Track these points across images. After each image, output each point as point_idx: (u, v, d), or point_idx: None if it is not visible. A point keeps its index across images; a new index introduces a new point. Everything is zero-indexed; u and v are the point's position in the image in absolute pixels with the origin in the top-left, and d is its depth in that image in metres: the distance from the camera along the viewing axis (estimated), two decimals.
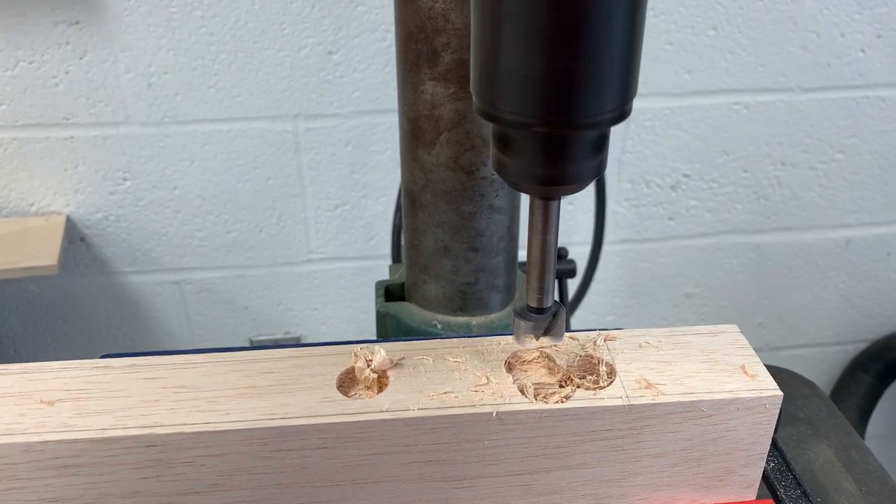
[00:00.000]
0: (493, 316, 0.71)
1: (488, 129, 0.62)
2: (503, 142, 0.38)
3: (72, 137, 1.34)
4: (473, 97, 0.38)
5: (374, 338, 0.69)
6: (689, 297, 1.65)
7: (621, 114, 0.36)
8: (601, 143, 0.38)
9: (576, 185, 0.38)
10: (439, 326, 0.70)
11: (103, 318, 1.53)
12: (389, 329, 0.73)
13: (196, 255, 1.48)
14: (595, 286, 1.60)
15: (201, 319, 1.56)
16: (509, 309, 0.72)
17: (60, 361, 0.46)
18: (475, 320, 0.70)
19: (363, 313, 1.60)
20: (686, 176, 1.52)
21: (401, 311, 0.72)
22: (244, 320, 1.57)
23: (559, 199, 0.41)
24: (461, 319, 0.70)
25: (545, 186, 0.38)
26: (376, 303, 0.74)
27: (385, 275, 1.44)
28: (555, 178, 0.38)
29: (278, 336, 1.59)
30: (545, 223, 0.41)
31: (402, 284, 0.75)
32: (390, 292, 0.75)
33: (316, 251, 1.51)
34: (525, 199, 1.51)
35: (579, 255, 1.36)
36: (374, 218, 1.49)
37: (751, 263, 1.63)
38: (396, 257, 1.23)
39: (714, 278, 1.65)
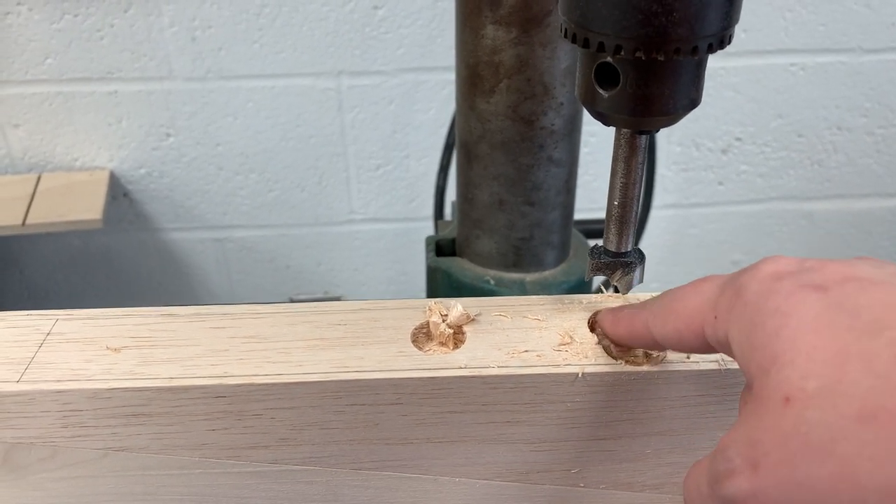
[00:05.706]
0: (547, 273, 0.69)
1: (550, 76, 0.60)
2: (594, 69, 0.36)
3: (116, 92, 1.33)
4: (561, 17, 0.36)
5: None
6: (736, 265, 1.61)
7: (722, 39, 0.34)
8: (699, 71, 0.36)
9: (669, 117, 0.36)
10: (492, 282, 0.68)
11: (145, 274, 1.54)
12: (440, 285, 0.71)
13: (238, 213, 1.47)
14: None
15: (242, 277, 1.56)
16: (564, 266, 0.70)
17: (123, 308, 0.45)
18: (529, 277, 0.68)
19: (403, 275, 1.59)
20: (738, 139, 1.47)
21: (452, 266, 0.70)
22: (285, 279, 1.56)
23: (648, 135, 0.38)
24: (515, 276, 0.68)
25: (638, 118, 0.36)
26: (427, 258, 0.72)
27: (426, 236, 1.43)
28: (649, 108, 0.35)
29: (318, 296, 1.58)
30: (631, 160, 0.39)
31: (453, 240, 0.73)
32: (441, 247, 0.73)
33: (357, 211, 1.49)
34: (584, 153, 1.45)
35: None
36: (416, 179, 1.47)
37: (802, 231, 1.59)
38: (439, 218, 1.21)
39: (763, 246, 1.60)
